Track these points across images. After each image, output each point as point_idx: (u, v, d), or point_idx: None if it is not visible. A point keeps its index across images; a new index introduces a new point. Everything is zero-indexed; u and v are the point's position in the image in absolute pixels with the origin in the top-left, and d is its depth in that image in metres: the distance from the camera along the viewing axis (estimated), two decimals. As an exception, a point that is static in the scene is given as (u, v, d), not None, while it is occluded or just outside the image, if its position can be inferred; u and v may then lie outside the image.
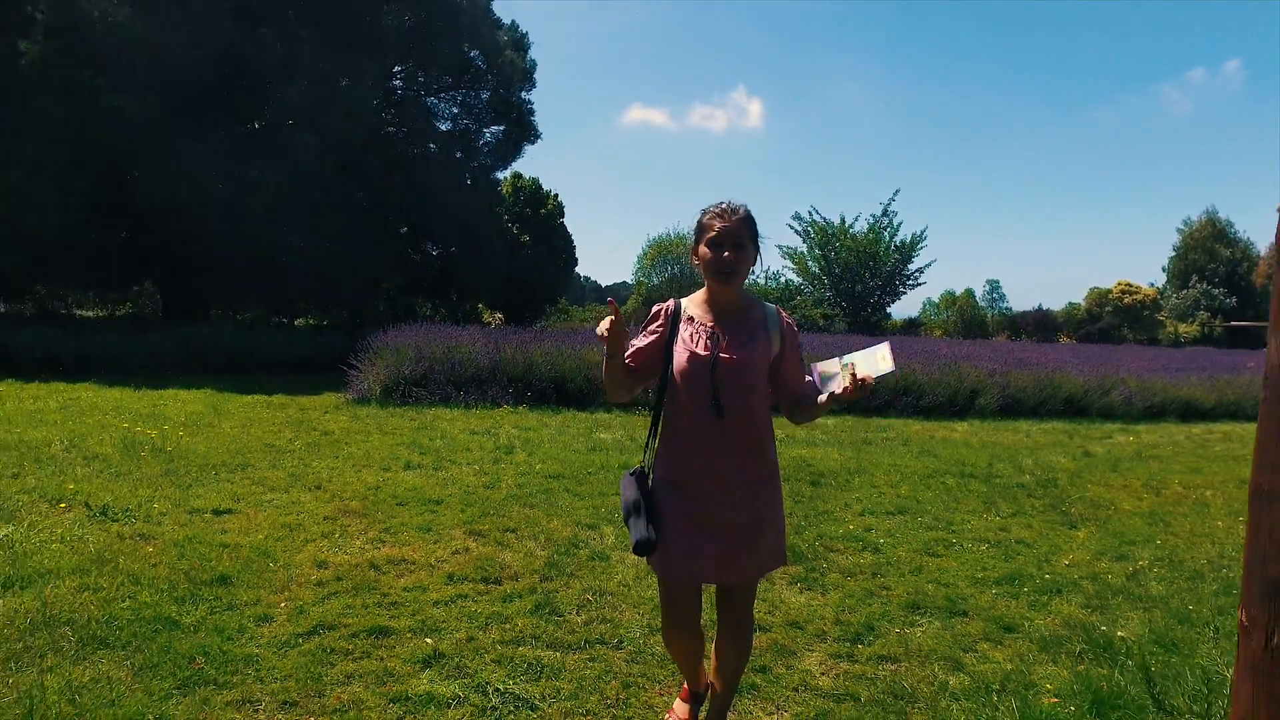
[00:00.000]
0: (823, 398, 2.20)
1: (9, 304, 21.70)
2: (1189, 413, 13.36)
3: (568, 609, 3.59)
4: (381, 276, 20.87)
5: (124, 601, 3.38)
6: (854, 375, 2.11)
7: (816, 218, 33.75)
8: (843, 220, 33.57)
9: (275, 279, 18.37)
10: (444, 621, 3.40)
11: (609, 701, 2.79)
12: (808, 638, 3.43)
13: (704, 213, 2.30)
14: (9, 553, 3.82)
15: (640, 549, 2.24)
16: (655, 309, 2.42)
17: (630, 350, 2.34)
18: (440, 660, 3.04)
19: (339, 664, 2.98)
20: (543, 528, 4.82)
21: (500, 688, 2.83)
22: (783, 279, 34.60)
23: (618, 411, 10.27)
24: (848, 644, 3.38)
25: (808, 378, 2.32)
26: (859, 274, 32.93)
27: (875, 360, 2.12)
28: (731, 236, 2.23)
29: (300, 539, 4.43)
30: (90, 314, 22.09)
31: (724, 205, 2.28)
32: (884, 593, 4.02)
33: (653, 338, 2.35)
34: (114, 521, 4.52)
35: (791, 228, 34.14)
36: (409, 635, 3.25)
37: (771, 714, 2.78)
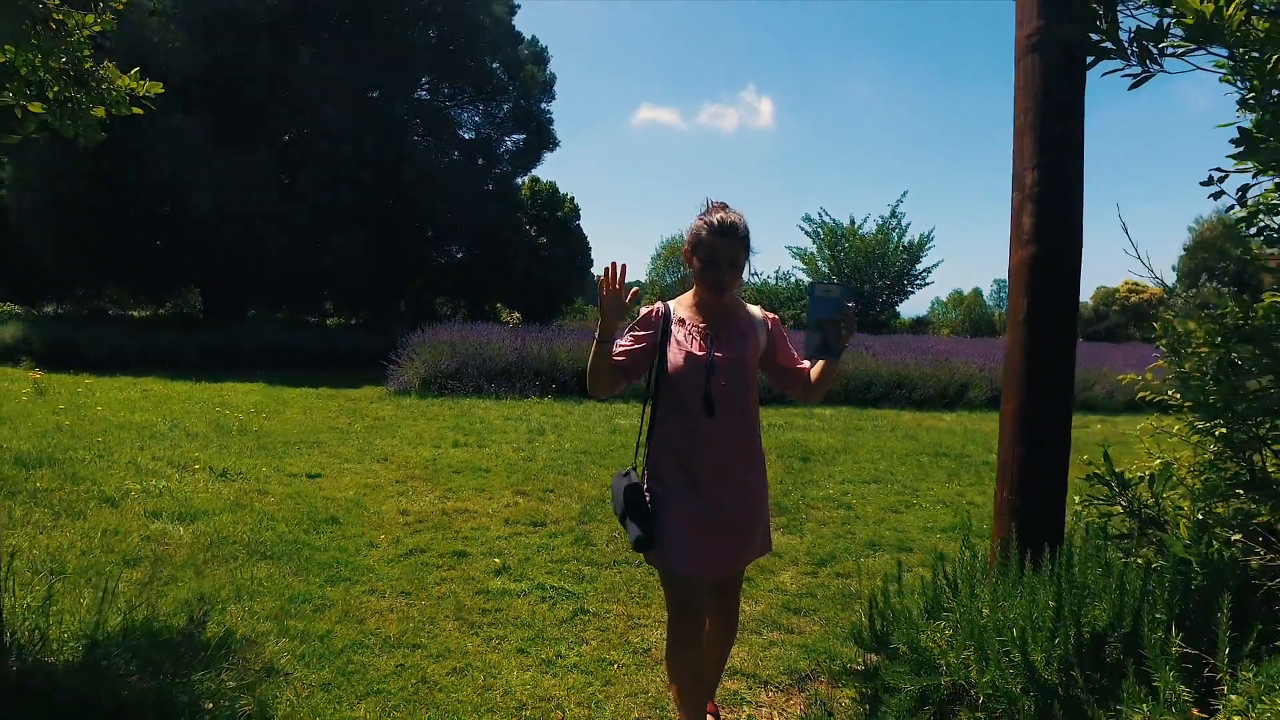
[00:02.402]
0: (815, 369, 2.26)
1: (59, 305, 23.16)
2: (1171, 406, 14.23)
3: (599, 542, 4.66)
4: (408, 278, 22.09)
5: (267, 531, 4.49)
6: (836, 322, 2.09)
7: (826, 219, 34.63)
8: (852, 221, 34.43)
9: (309, 281, 19.65)
10: (506, 549, 4.48)
11: (633, 595, 3.86)
12: (784, 563, 4.48)
13: (704, 224, 2.25)
14: (173, 498, 4.96)
15: (640, 545, 2.27)
16: (644, 311, 2.42)
17: (620, 350, 2.34)
18: (507, 571, 4.12)
19: (433, 572, 4.06)
20: (575, 489, 5.90)
21: (554, 586, 3.91)
22: (793, 279, 35.53)
23: (635, 403, 11.33)
24: (814, 566, 4.42)
25: (799, 361, 2.36)
26: (867, 274, 33.78)
27: (828, 301, 2.09)
28: (728, 255, 2.23)
29: (382, 495, 5.53)
30: (136, 314, 23.41)
31: (723, 219, 2.22)
32: (849, 536, 5.06)
33: (644, 340, 2.35)
34: (233, 481, 5.64)
35: (801, 228, 35.06)
36: (481, 556, 4.33)
37: (750, 605, 3.83)
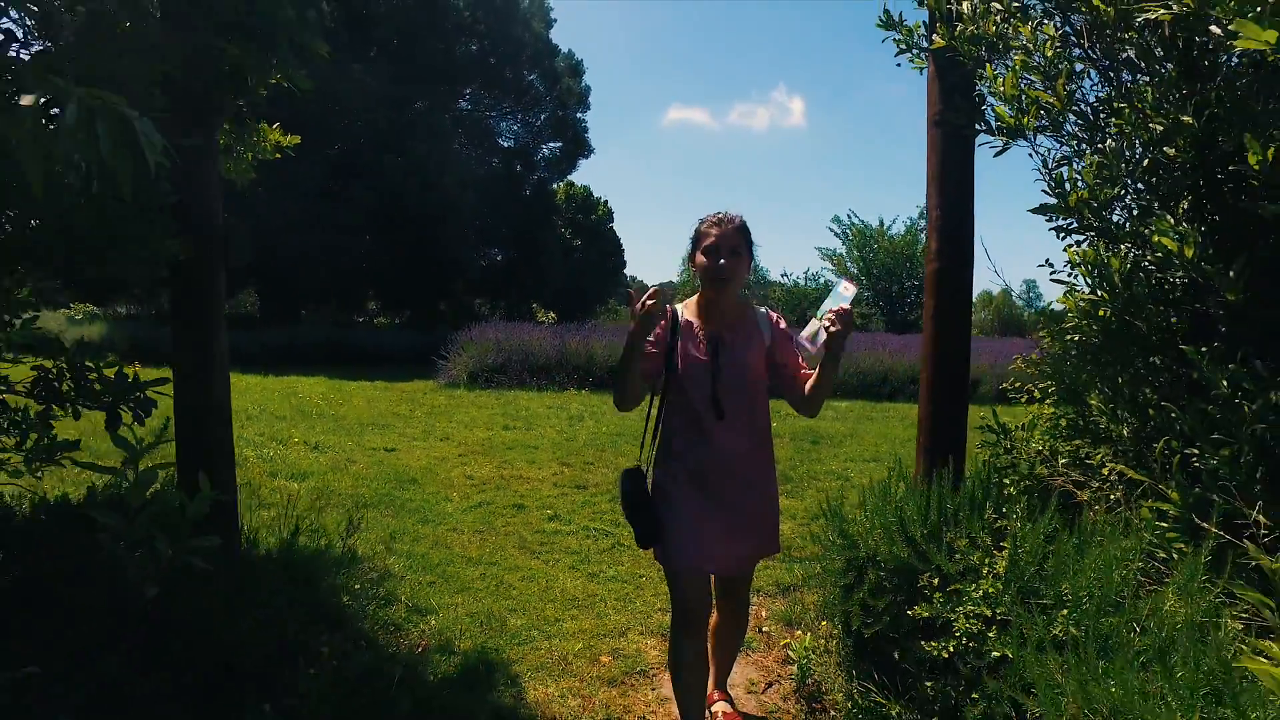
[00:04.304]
0: (813, 351, 2.20)
1: (128, 305, 24.86)
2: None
3: (632, 499, 5.65)
4: (450, 280, 23.32)
5: (364, 488, 5.55)
6: (830, 314, 2.14)
7: (855, 220, 35.23)
8: (881, 222, 35.00)
9: (356, 283, 20.99)
10: (556, 503, 5.49)
11: (658, 536, 4.84)
12: (784, 518, 5.40)
13: (701, 221, 2.34)
14: (284, 462, 6.07)
15: (644, 541, 2.38)
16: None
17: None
18: (558, 518, 5.12)
19: (499, 518, 5.08)
20: (612, 462, 6.89)
21: (596, 528, 4.90)
22: (822, 280, 36.20)
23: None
24: (808, 520, 5.36)
25: (802, 366, 2.39)
26: (896, 275, 34.35)
27: (839, 296, 2.18)
28: (727, 244, 2.28)
29: (449, 465, 6.58)
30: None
31: (720, 214, 2.32)
32: (842, 498, 5.96)
33: (657, 345, 2.37)
34: (325, 452, 6.73)
35: (831, 230, 35.73)
36: (536, 508, 5.34)
37: (753, 545, 4.79)
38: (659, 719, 2.77)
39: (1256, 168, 1.80)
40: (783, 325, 2.44)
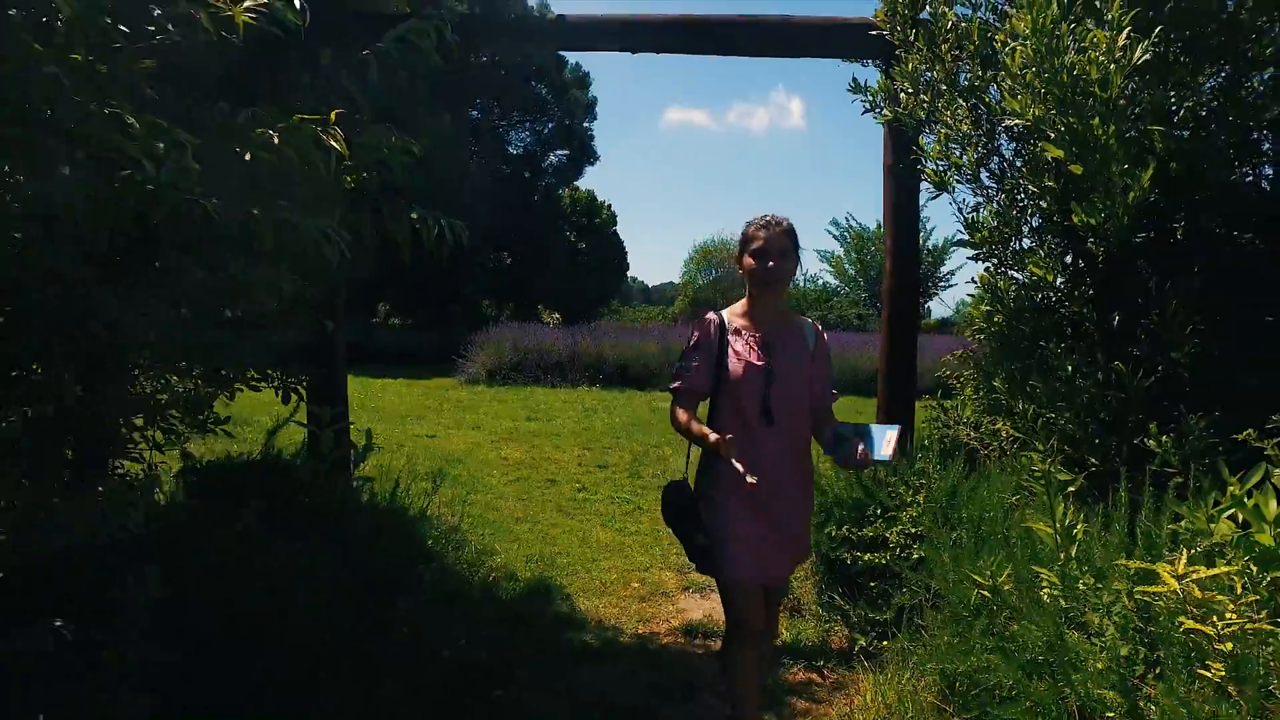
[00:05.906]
0: (829, 449, 2.32)
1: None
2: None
3: (647, 475, 6.59)
4: (461, 284, 24.29)
5: (421, 465, 6.48)
6: (860, 449, 2.18)
7: (853, 224, 36.05)
8: (878, 225, 35.84)
9: (370, 287, 21.95)
10: (582, 479, 6.43)
11: (671, 503, 5.79)
12: (777, 491, 6.35)
13: (749, 224, 2.37)
14: (347, 444, 6.99)
15: (697, 557, 2.38)
16: (701, 328, 2.43)
17: (695, 374, 2.37)
18: (585, 489, 6.06)
19: (536, 490, 6.02)
20: (627, 447, 7.83)
21: (619, 496, 5.85)
22: (820, 281, 37.07)
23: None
24: (797, 493, 6.30)
25: (822, 402, 2.45)
26: (892, 277, 35.14)
27: (881, 443, 2.21)
28: (776, 246, 2.33)
29: (485, 448, 7.52)
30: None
31: (768, 217, 2.36)
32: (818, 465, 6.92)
33: (709, 356, 2.37)
34: (375, 438, 7.64)
35: (829, 232, 36.60)
36: (566, 482, 6.29)
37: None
38: (679, 620, 3.71)
39: (1079, 224, 2.73)
40: (825, 338, 2.51)
